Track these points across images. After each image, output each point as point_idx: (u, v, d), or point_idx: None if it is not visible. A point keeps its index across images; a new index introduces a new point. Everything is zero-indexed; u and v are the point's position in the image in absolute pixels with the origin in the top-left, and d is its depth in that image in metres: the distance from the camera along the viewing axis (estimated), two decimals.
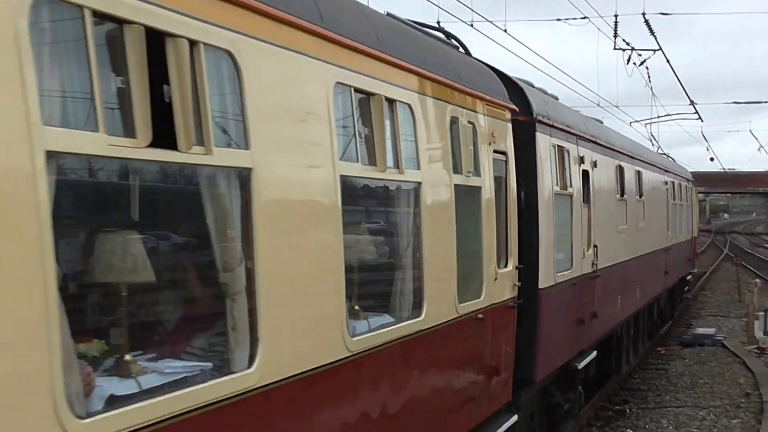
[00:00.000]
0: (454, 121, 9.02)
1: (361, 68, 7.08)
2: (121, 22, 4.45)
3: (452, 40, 11.60)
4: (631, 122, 44.66)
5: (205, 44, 5.01)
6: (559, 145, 13.41)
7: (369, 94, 7.23)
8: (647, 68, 35.10)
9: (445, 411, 9.03)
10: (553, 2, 32.59)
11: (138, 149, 4.44)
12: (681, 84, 37.28)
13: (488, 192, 10.01)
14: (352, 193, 7.12)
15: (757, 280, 31.09)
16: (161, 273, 5.27)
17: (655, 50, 32.39)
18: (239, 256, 5.46)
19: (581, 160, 14.75)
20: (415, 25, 9.92)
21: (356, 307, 7.27)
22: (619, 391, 20.03)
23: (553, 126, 13.19)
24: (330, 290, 6.45)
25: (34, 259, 3.86)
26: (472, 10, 22.99)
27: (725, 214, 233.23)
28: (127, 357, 4.79)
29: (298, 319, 5.99)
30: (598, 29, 30.35)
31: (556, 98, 15.71)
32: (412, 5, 21.33)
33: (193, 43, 4.90)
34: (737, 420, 17.29)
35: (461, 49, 11.53)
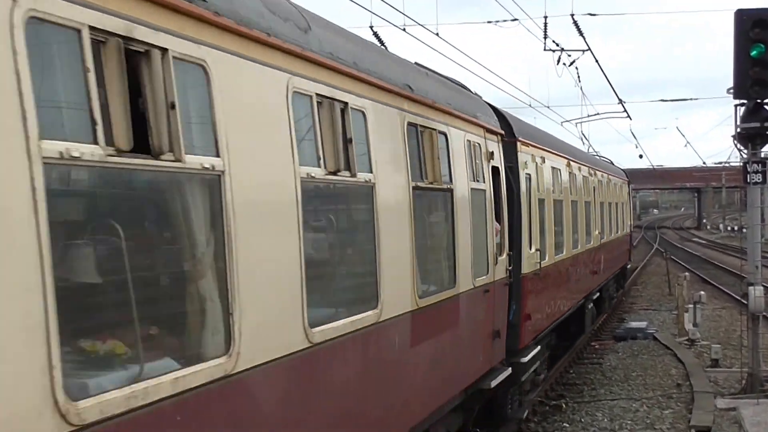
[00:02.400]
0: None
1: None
2: None
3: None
4: (562, 122, 45.35)
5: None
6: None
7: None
8: (577, 69, 35.83)
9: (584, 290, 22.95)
10: (484, 5, 33.04)
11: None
12: (609, 83, 38.10)
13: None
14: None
15: (686, 274, 31.80)
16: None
17: (584, 50, 32.99)
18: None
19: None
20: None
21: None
22: (556, 386, 20.45)
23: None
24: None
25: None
26: (404, 15, 23.42)
27: (655, 210, 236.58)
28: None
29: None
30: (528, 31, 31.00)
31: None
32: (345, 10, 21.60)
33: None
34: (669, 410, 17.81)
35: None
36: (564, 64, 33.23)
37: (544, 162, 18.12)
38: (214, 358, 5.71)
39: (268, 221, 6.49)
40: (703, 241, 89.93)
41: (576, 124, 43.61)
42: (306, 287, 6.90)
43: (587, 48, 32.49)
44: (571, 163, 21.96)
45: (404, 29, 23.18)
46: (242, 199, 6.00)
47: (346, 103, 8.00)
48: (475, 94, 14.63)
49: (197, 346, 5.73)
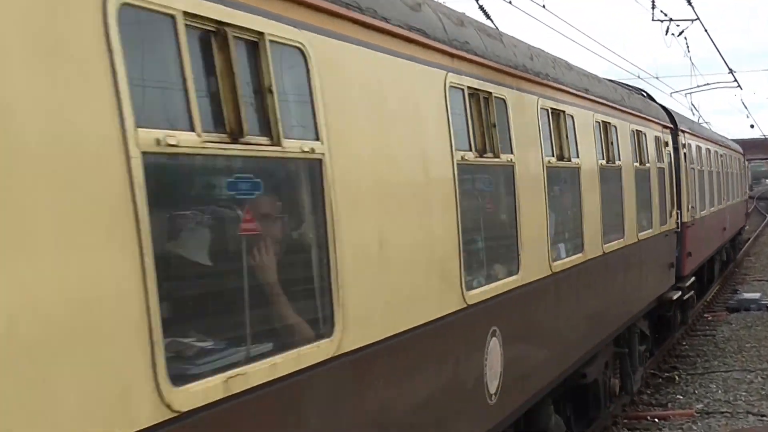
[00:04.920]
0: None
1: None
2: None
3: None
4: (671, 93, 44.75)
5: None
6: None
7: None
8: (686, 38, 35.32)
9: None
10: None
11: None
12: (719, 52, 37.39)
13: None
14: None
15: None
16: None
17: (693, 20, 32.52)
18: None
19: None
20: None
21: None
22: (668, 359, 20.39)
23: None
24: None
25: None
26: None
27: (767, 180, 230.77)
28: None
29: None
30: (636, 1, 30.60)
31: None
32: None
33: None
34: None
35: None
36: (672, 34, 32.85)
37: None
38: None
39: None
40: None
41: (685, 94, 42.96)
42: None
43: (696, 17, 32.04)
44: None
45: (510, 2, 23.15)
46: None
47: None
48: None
49: None
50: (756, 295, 28.35)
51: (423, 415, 6.96)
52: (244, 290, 5.00)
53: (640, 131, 15.67)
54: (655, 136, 17.22)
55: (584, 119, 11.82)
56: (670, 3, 33.94)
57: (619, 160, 13.77)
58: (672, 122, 20.38)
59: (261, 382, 4.72)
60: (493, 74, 8.57)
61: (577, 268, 11.20)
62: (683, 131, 21.43)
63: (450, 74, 7.55)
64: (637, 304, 15.40)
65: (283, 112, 5.08)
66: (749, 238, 50.87)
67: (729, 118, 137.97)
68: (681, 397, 17.16)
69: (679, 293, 19.05)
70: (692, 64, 39.59)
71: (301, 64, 5.40)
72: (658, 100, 22.26)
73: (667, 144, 18.47)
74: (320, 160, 5.47)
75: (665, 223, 17.62)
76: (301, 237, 5.75)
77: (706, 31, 32.20)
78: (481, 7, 23.83)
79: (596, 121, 12.42)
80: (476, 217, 8.43)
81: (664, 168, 17.83)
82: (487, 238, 8.59)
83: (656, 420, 15.70)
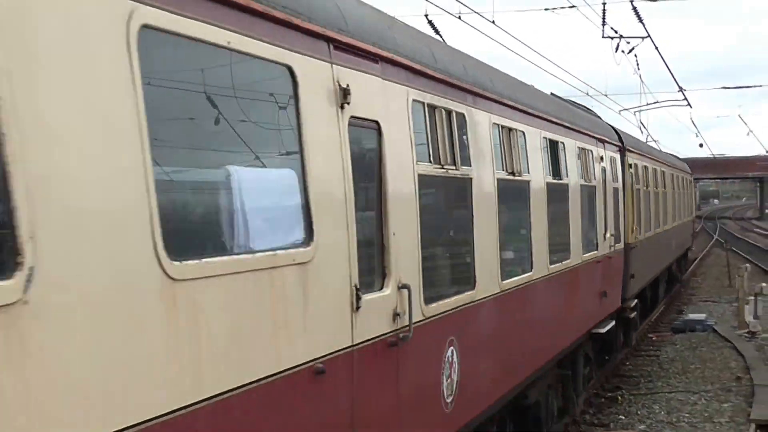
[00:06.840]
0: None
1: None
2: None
3: None
4: (620, 110, 44.89)
5: None
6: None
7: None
8: (636, 56, 35.30)
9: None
10: None
11: None
12: (670, 71, 37.46)
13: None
14: None
15: (747, 265, 31.26)
16: None
17: (643, 37, 32.51)
18: None
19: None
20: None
21: None
22: (612, 378, 20.20)
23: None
24: None
25: None
26: (460, 2, 23.11)
27: (715, 200, 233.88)
28: None
29: None
30: (586, 17, 30.58)
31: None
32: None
33: None
34: (728, 404, 17.48)
35: None
36: (623, 51, 32.82)
37: None
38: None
39: None
40: (766, 232, 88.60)
41: (634, 112, 43.10)
42: None
43: (647, 35, 32.04)
44: None
45: (459, 17, 22.94)
46: None
47: None
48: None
49: None
50: (701, 316, 28.32)
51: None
52: None
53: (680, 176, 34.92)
54: (686, 178, 37.44)
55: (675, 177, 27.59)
56: (620, 20, 33.95)
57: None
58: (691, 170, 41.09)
59: None
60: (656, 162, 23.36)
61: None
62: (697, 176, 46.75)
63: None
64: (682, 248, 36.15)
65: None
66: (696, 258, 51.14)
67: (678, 136, 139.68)
68: (623, 417, 16.94)
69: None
70: (642, 82, 39.67)
71: None
72: (605, 118, 22.79)
73: (690, 182, 38.54)
74: None
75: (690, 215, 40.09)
76: None
77: (656, 48, 32.24)
78: (430, 22, 23.65)
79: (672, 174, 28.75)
80: None
81: (687, 192, 36.29)
82: None
83: None
